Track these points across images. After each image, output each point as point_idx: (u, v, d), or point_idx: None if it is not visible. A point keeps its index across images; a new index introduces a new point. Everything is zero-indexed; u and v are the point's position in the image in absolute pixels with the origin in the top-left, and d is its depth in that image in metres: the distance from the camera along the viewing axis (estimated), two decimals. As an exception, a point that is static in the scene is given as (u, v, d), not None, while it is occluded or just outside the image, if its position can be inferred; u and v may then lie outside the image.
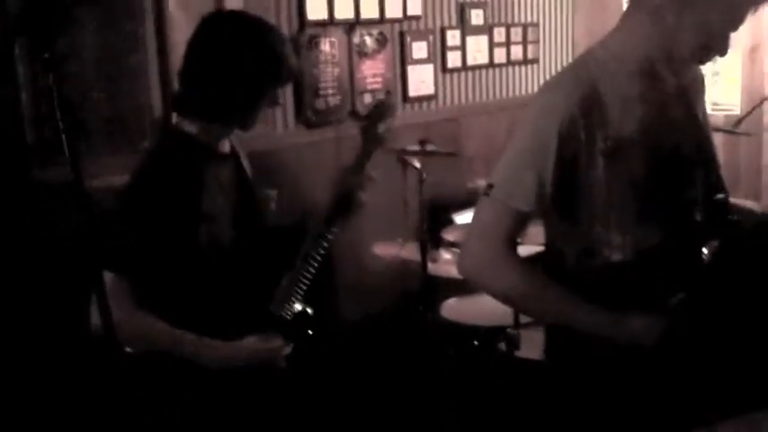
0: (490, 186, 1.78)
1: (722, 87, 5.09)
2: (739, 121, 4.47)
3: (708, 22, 1.73)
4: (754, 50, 4.95)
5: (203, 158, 2.13)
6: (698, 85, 2.00)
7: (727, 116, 4.97)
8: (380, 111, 2.48)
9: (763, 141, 5.03)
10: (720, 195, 1.89)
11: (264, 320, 2.21)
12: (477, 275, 1.84)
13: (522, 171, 1.76)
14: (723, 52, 1.79)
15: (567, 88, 1.78)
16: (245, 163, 2.32)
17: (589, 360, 1.82)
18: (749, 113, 4.52)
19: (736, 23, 1.76)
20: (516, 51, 5.05)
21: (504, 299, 1.90)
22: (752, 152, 5.09)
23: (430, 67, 4.50)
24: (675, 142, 1.83)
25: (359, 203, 2.37)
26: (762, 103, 4.60)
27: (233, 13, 2.44)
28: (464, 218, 4.12)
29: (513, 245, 1.84)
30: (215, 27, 2.15)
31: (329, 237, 2.35)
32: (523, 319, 3.12)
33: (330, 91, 3.97)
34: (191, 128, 2.13)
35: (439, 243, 3.66)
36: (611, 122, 1.75)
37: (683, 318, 1.70)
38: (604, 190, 1.76)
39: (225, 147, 2.22)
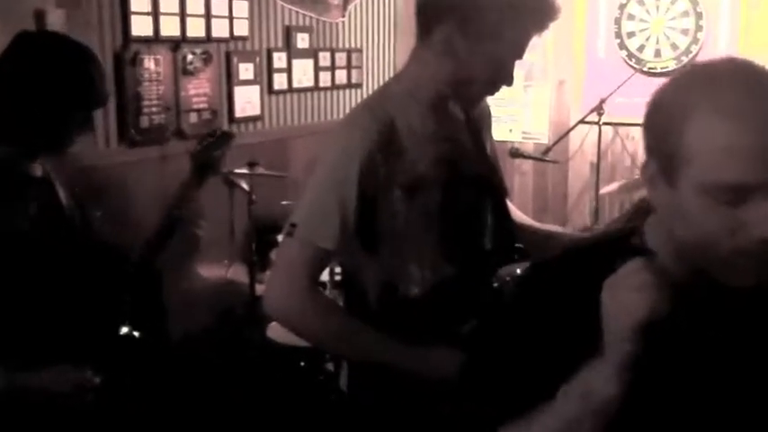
0: (293, 226, 1.77)
1: (532, 118, 5.41)
2: (547, 149, 4.76)
3: (495, 53, 1.78)
4: (561, 84, 5.30)
5: (8, 181, 2.03)
6: (485, 118, 2.07)
7: (536, 144, 5.29)
8: (219, 140, 2.47)
9: (568, 169, 5.38)
10: (507, 223, 1.96)
11: (88, 345, 2.13)
12: (284, 317, 1.84)
13: (324, 209, 1.75)
14: (509, 82, 1.84)
15: (364, 124, 1.78)
16: (61, 187, 2.23)
17: (389, 392, 1.85)
18: (556, 143, 4.82)
19: (520, 53, 1.83)
20: (341, 75, 5.16)
21: (311, 339, 1.91)
22: (559, 179, 5.43)
23: (256, 89, 4.51)
24: (467, 174, 1.87)
25: (195, 237, 2.34)
26: (567, 133, 4.92)
27: (42, 33, 2.36)
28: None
29: (316, 283, 1.84)
30: (21, 47, 2.06)
31: (153, 263, 2.31)
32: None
33: (154, 109, 3.89)
34: None
35: (266, 264, 3.67)
36: (407, 157, 1.77)
37: (476, 347, 1.80)
38: (403, 224, 1.79)
39: (36, 171, 2.12)
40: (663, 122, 1.12)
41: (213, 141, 2.47)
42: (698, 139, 1.06)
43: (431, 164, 1.80)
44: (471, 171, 1.90)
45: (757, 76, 1.09)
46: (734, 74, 1.10)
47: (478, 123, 2.00)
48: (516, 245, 1.95)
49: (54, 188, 2.20)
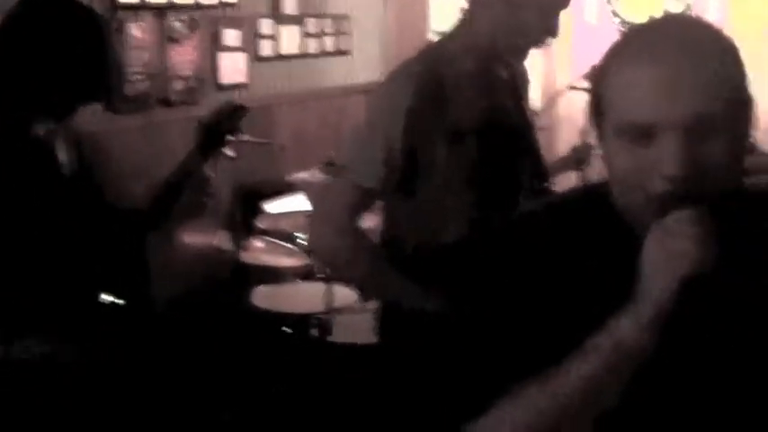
0: (338, 167, 1.90)
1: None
2: (537, 114, 4.74)
3: (543, 2, 1.87)
4: (547, 49, 5.28)
5: (5, 144, 2.01)
6: (524, 78, 2.16)
7: (525, 110, 5.27)
8: (232, 113, 2.37)
9: (556, 134, 5.37)
10: (544, 184, 2.04)
11: (64, 314, 2.14)
12: (324, 254, 1.98)
13: (370, 151, 1.85)
14: (555, 33, 1.92)
15: (412, 74, 1.88)
16: (61, 151, 2.21)
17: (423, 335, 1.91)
18: (544, 109, 4.81)
19: (566, 2, 1.91)
20: (328, 42, 5.13)
21: (348, 277, 2.01)
22: (548, 144, 5.41)
23: (243, 56, 4.49)
24: (509, 132, 1.97)
25: (200, 207, 2.34)
26: (555, 99, 4.91)
27: None
28: (275, 206, 4.15)
29: (357, 222, 1.94)
30: (29, 8, 2.01)
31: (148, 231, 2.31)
32: (335, 304, 3.19)
33: (139, 77, 3.88)
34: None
35: (250, 231, 3.68)
36: (453, 110, 1.85)
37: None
38: (443, 172, 1.87)
39: (37, 132, 2.06)
40: (597, 74, 1.15)
41: (225, 113, 2.36)
42: (612, 83, 1.10)
43: (475, 116, 1.88)
44: (512, 127, 1.99)
45: (688, 29, 1.12)
46: (664, 25, 1.16)
47: (519, 85, 2.09)
48: None
49: (53, 151, 2.15)
